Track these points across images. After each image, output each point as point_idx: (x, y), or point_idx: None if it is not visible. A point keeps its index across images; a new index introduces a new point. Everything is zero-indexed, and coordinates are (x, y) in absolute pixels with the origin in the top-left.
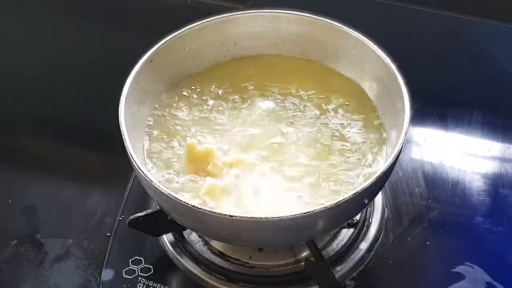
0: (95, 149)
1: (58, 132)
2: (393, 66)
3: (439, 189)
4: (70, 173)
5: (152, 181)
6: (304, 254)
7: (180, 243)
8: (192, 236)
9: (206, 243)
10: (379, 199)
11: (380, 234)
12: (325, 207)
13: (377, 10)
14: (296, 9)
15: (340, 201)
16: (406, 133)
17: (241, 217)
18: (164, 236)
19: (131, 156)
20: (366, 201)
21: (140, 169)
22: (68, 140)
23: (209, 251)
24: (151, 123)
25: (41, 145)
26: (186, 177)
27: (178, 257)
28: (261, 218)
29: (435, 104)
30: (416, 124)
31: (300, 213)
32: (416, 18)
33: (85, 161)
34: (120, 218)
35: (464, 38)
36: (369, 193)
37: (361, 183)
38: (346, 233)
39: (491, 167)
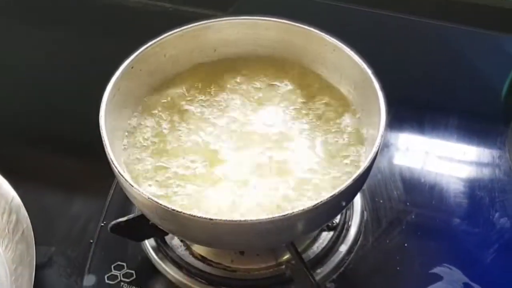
0: (76, 155)
1: (39, 139)
2: (369, 71)
3: (416, 192)
4: (51, 180)
5: (132, 186)
6: (285, 257)
7: (162, 248)
8: (174, 241)
9: (188, 248)
10: (358, 202)
11: (359, 237)
12: (303, 210)
13: (354, 16)
14: (276, 16)
15: (318, 203)
16: (382, 136)
17: (220, 220)
18: (146, 241)
19: (112, 161)
20: (344, 203)
21: (120, 174)
22: (49, 146)
23: (191, 256)
24: (132, 128)
25: (22, 152)
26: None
27: (160, 262)
28: (240, 221)
29: (412, 108)
30: (394, 129)
31: (279, 216)
32: (393, 24)
33: (67, 167)
34: (102, 224)
35: (440, 43)
36: (346, 195)
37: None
38: (326, 236)
39: (467, 170)
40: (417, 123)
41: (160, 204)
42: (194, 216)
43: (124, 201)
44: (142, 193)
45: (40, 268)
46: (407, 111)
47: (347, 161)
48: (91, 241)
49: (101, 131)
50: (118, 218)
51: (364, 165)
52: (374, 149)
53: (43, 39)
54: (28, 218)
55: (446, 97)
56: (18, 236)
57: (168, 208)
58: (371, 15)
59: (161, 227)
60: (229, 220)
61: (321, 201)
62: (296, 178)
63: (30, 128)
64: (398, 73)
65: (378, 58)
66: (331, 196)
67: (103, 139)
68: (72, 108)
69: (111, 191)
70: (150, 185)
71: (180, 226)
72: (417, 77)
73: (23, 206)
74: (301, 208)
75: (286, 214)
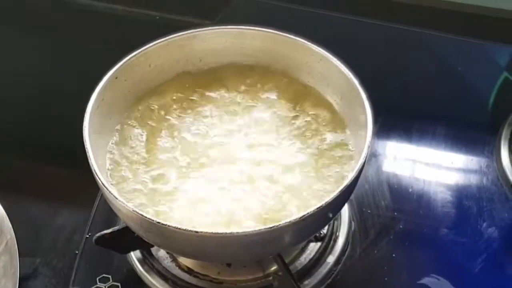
0: (61, 165)
1: (23, 150)
2: (355, 81)
3: (404, 202)
4: (36, 191)
5: (117, 198)
6: (272, 268)
7: (148, 260)
8: (160, 253)
9: (174, 260)
10: (345, 212)
11: (347, 247)
12: (289, 222)
13: (341, 25)
14: (262, 26)
15: (304, 215)
16: (369, 147)
17: (206, 232)
18: (132, 253)
19: (96, 173)
20: (331, 215)
21: (104, 185)
22: (34, 156)
23: (177, 268)
24: (116, 139)
25: (6, 162)
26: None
27: (146, 274)
28: (226, 233)
29: (399, 118)
30: (381, 138)
31: (265, 228)
32: (380, 33)
33: (51, 178)
34: (87, 236)
35: (427, 52)
36: (333, 207)
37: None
38: (313, 247)
39: (455, 179)
40: (404, 132)
41: (145, 217)
42: (179, 228)
43: (110, 212)
44: (126, 205)
45: (24, 279)
46: (395, 120)
47: (334, 171)
48: (76, 252)
49: (84, 142)
50: (103, 229)
51: (351, 176)
52: (361, 160)
53: (28, 47)
54: (12, 229)
55: (434, 106)
56: (1, 248)
57: (153, 220)
58: (357, 24)
59: (146, 240)
60: (215, 233)
61: (308, 213)
62: (283, 189)
63: (14, 138)
64: (385, 82)
65: (365, 68)
66: (318, 208)
67: (86, 151)
68: (57, 117)
69: (96, 202)
70: (135, 197)
71: (165, 239)
72: (405, 86)
73: (7, 217)
74: (287, 220)
75: (273, 226)
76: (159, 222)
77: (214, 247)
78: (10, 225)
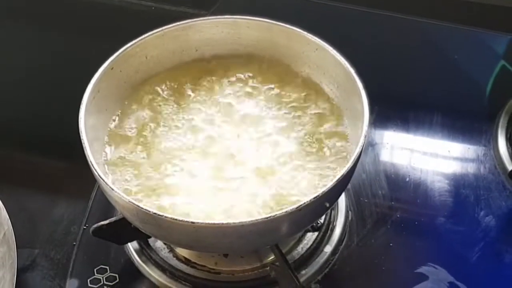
0: (58, 157)
1: (20, 141)
2: (352, 70)
3: (401, 191)
4: (34, 182)
5: (113, 189)
6: (269, 258)
7: (146, 250)
8: (158, 244)
9: (172, 250)
10: (342, 202)
11: (344, 237)
12: (286, 212)
13: (337, 14)
14: (259, 15)
15: (301, 205)
16: (365, 136)
17: (202, 223)
18: (129, 244)
19: (92, 164)
20: (328, 205)
21: (100, 177)
22: (31, 148)
23: (174, 258)
24: (113, 129)
25: (3, 154)
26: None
27: (144, 265)
28: (222, 224)
29: (396, 107)
30: (378, 127)
31: (262, 218)
32: (377, 22)
33: (48, 169)
34: (85, 227)
35: (424, 41)
36: (330, 196)
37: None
38: (310, 237)
39: (452, 168)
40: (401, 121)
41: (141, 208)
42: (176, 219)
43: (107, 204)
44: (123, 196)
45: (23, 271)
46: (391, 110)
47: (331, 160)
48: (74, 243)
49: (80, 134)
50: (100, 220)
51: (347, 165)
52: (358, 149)
53: (23, 39)
54: (9, 221)
55: (431, 94)
56: None
57: (149, 211)
58: (354, 14)
59: (143, 231)
60: (211, 223)
61: (305, 203)
62: (279, 178)
63: (11, 130)
64: (382, 71)
65: (361, 57)
66: (314, 198)
67: (82, 142)
68: (54, 109)
69: (93, 193)
70: (131, 187)
71: (161, 230)
72: (402, 75)
73: (4, 209)
74: (284, 210)
75: (269, 217)
76: (155, 213)
77: (211, 237)
78: (8, 216)
